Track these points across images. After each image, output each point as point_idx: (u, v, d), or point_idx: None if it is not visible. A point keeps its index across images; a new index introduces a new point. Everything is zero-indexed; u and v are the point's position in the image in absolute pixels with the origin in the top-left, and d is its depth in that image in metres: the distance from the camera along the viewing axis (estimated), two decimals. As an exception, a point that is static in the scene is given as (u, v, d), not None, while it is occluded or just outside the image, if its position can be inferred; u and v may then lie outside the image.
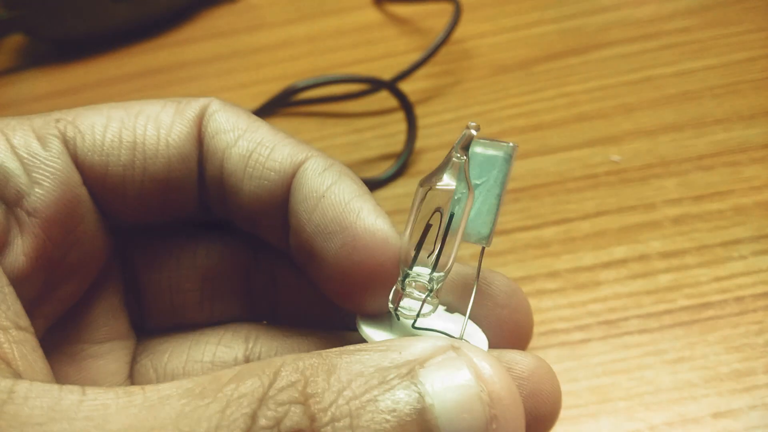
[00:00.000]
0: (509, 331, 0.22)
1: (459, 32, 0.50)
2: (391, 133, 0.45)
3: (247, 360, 0.24)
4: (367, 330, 0.21)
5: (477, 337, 0.21)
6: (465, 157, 0.20)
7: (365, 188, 0.22)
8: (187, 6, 0.66)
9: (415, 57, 0.48)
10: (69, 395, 0.14)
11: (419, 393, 0.15)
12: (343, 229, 0.20)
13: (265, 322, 0.25)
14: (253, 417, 0.14)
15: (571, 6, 0.54)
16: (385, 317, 0.21)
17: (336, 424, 0.14)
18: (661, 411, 0.27)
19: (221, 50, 0.60)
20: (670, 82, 0.44)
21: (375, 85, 0.46)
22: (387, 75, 0.47)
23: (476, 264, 0.21)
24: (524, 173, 0.40)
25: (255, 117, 0.23)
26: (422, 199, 0.20)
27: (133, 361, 0.24)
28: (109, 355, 0.24)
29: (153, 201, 0.23)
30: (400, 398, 0.14)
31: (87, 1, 0.62)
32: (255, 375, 0.15)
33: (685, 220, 0.35)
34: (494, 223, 0.21)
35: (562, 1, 0.55)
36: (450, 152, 0.20)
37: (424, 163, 0.43)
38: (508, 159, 0.20)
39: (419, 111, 0.45)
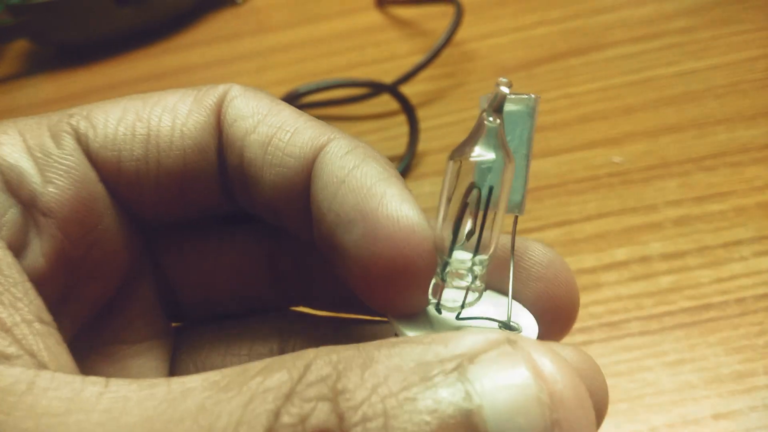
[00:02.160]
0: (547, 309, 0.20)
1: (460, 34, 0.51)
2: (393, 136, 0.46)
3: (282, 351, 0.24)
4: (406, 329, 0.18)
5: (525, 320, 0.19)
6: (499, 120, 0.17)
7: (393, 171, 0.20)
8: (190, 10, 0.66)
9: (417, 59, 0.48)
10: (90, 387, 0.14)
11: (466, 392, 0.13)
12: (364, 217, 0.18)
13: (300, 308, 0.25)
14: (277, 414, 0.13)
15: (573, 7, 0.54)
16: (422, 315, 0.19)
17: (368, 424, 0.12)
18: (662, 412, 0.28)
19: (225, 54, 0.60)
20: (672, 83, 0.44)
21: (376, 88, 0.46)
22: (390, 77, 0.47)
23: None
24: (526, 175, 0.40)
25: (278, 101, 0.22)
26: (454, 175, 0.18)
27: (173, 358, 0.24)
28: (147, 353, 0.23)
29: (171, 196, 0.22)
30: (443, 397, 0.13)
31: (91, 6, 0.62)
32: (284, 368, 0.13)
33: (686, 222, 0.35)
34: (525, 187, 0.19)
35: (564, 1, 0.55)
36: (481, 116, 0.18)
37: (427, 166, 0.43)
38: (532, 113, 0.19)
39: (421, 114, 0.45)
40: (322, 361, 0.13)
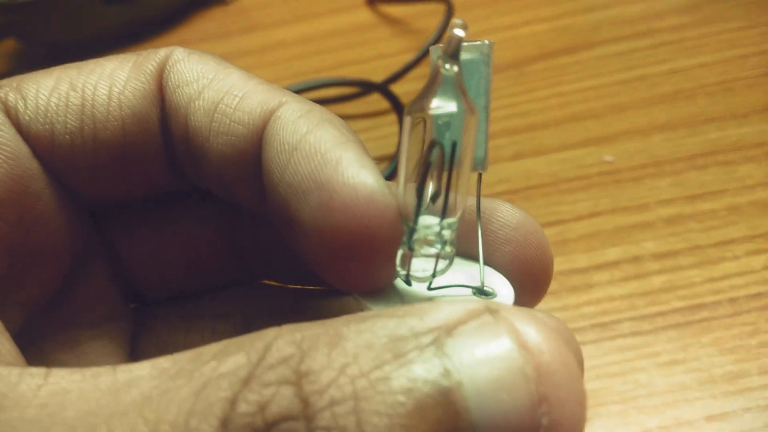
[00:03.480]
0: (519, 273, 0.19)
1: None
2: (383, 135, 0.45)
3: (246, 327, 0.23)
4: (373, 306, 0.17)
5: (499, 285, 0.18)
6: (456, 67, 0.16)
7: (350, 135, 0.18)
8: (179, 9, 0.66)
9: (407, 58, 0.48)
10: (28, 379, 0.13)
11: (444, 368, 0.12)
12: (319, 187, 0.17)
13: (263, 282, 0.24)
14: (233, 401, 0.11)
15: (564, 5, 0.54)
16: (390, 289, 0.18)
17: (335, 409, 0.11)
18: (655, 414, 0.27)
19: (213, 53, 0.60)
20: (663, 81, 0.44)
21: (366, 87, 0.46)
22: (380, 76, 0.47)
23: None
24: (517, 174, 0.39)
25: (227, 64, 0.20)
26: (414, 133, 0.16)
27: (134, 341, 0.23)
28: (105, 337, 0.22)
29: (112, 171, 0.20)
30: (418, 375, 0.11)
31: (79, 4, 0.62)
32: (242, 350, 0.12)
33: (678, 221, 0.35)
34: (487, 141, 0.18)
35: (554, 0, 0.54)
36: (436, 64, 0.16)
37: (417, 166, 0.42)
38: (487, 60, 0.17)
39: (412, 113, 0.45)
40: (283, 341, 0.12)
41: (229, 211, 0.23)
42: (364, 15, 0.60)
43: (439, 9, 0.53)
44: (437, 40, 0.48)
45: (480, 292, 0.18)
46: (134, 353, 0.23)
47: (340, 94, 0.48)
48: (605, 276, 0.33)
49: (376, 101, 0.47)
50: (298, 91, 0.45)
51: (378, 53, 0.54)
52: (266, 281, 0.24)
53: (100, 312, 0.22)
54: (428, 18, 0.56)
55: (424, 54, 0.47)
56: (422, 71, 0.49)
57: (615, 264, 0.33)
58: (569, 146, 0.41)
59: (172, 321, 0.23)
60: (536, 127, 0.43)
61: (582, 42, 0.49)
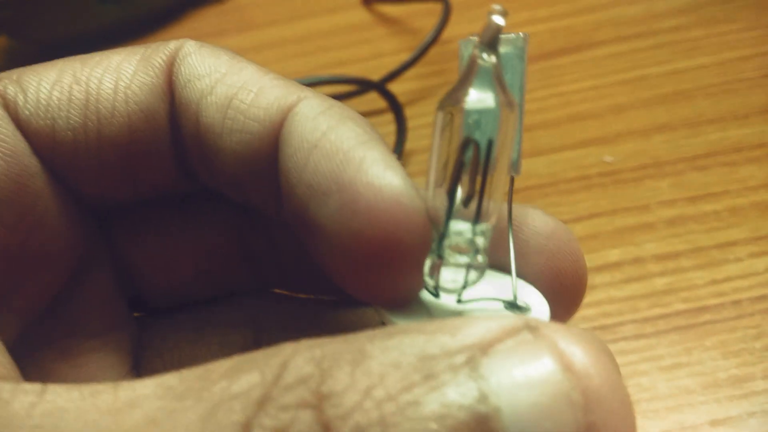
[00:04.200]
0: (551, 286, 0.18)
1: (448, 32, 0.50)
2: (380, 134, 0.45)
3: (257, 339, 0.22)
4: (398, 320, 0.16)
5: (533, 300, 0.17)
6: (494, 58, 0.15)
7: (374, 134, 0.17)
8: (173, 7, 0.65)
9: (404, 57, 0.47)
10: (22, 397, 0.12)
11: (480, 392, 0.10)
12: (340, 188, 0.15)
13: (276, 290, 0.23)
14: (247, 426, 0.10)
15: (561, 5, 0.53)
16: (415, 303, 0.17)
17: None
18: (658, 419, 0.27)
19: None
20: (663, 82, 0.44)
21: (363, 86, 0.45)
22: (376, 75, 0.46)
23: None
24: (516, 175, 0.39)
25: (240, 57, 0.19)
26: (445, 130, 0.15)
27: (138, 350, 0.22)
28: (107, 347, 0.21)
29: (118, 170, 0.19)
30: (452, 400, 0.10)
31: (73, 2, 0.61)
32: (255, 368, 0.11)
33: (679, 222, 0.34)
34: (521, 143, 0.16)
35: (553, 0, 0.54)
36: (472, 54, 0.15)
37: (415, 165, 0.42)
38: (522, 55, 0.16)
39: (409, 112, 0.44)
40: (302, 358, 0.11)
41: (241, 214, 0.22)
42: (360, 14, 0.59)
43: (436, 8, 0.52)
44: (434, 39, 0.47)
45: (513, 306, 0.17)
46: (137, 364, 0.22)
47: (337, 92, 0.48)
48: (606, 277, 0.32)
49: (372, 100, 0.46)
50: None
51: (374, 53, 0.54)
52: (279, 290, 0.23)
53: (102, 320, 0.21)
54: (425, 18, 0.56)
55: (421, 53, 0.47)
56: (419, 71, 0.49)
57: (616, 265, 0.33)
58: (569, 146, 0.40)
59: (177, 330, 0.22)
60: (535, 127, 0.42)
61: (581, 42, 0.49)
